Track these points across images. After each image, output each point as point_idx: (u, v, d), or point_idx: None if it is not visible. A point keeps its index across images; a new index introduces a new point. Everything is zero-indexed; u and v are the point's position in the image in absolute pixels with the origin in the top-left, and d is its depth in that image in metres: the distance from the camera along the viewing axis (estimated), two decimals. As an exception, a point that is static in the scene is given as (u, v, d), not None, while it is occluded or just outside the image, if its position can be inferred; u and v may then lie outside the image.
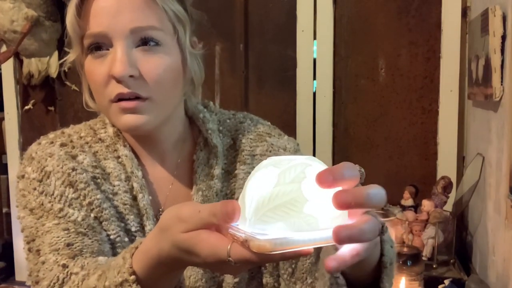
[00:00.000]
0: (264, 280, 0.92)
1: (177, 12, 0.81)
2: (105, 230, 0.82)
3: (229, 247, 0.51)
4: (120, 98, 0.78)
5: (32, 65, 2.05)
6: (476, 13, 1.59)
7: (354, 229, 0.48)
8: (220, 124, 0.94)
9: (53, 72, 2.06)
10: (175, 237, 0.55)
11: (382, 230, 0.52)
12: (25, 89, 2.17)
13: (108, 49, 0.78)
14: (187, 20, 0.84)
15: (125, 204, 0.85)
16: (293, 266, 0.87)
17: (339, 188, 0.49)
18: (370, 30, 1.90)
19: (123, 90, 0.77)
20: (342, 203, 0.48)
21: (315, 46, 1.93)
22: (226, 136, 0.93)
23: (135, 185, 0.85)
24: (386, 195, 0.51)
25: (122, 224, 0.84)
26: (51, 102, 2.16)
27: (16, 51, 1.97)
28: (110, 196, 0.85)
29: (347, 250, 0.51)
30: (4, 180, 2.24)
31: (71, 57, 0.85)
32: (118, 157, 0.87)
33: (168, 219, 0.57)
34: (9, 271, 2.17)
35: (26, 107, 2.17)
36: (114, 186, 0.85)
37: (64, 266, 0.75)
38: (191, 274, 0.87)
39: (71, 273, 0.74)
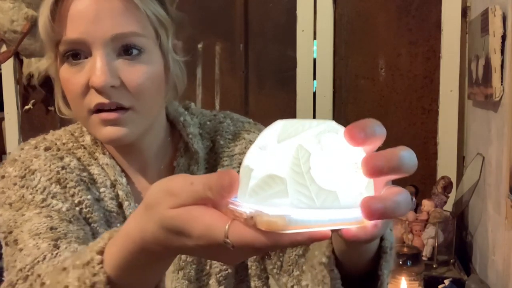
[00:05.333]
0: (252, 284, 0.89)
1: (159, 16, 0.77)
2: (95, 233, 0.78)
3: (227, 226, 0.41)
4: (99, 109, 0.74)
5: (32, 65, 2.05)
6: (476, 13, 1.59)
7: (388, 201, 0.40)
8: (200, 127, 0.90)
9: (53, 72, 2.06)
10: (162, 214, 0.45)
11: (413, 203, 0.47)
12: (25, 89, 2.17)
13: (87, 57, 0.73)
14: (169, 23, 0.79)
15: (112, 212, 0.81)
16: (281, 259, 0.83)
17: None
18: (370, 30, 1.90)
19: (104, 100, 0.73)
20: (375, 168, 0.41)
21: (315, 46, 1.93)
22: (206, 139, 0.89)
23: (120, 192, 0.82)
24: (414, 156, 0.44)
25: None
26: (51, 102, 2.16)
27: (16, 51, 1.97)
28: (97, 201, 0.81)
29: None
30: (4, 180, 2.23)
31: (44, 64, 0.79)
32: (100, 164, 0.83)
33: (155, 193, 0.47)
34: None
35: (26, 107, 2.17)
36: (100, 192, 0.81)
37: (55, 246, 0.68)
38: (176, 286, 0.84)
39: (58, 255, 0.67)
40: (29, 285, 0.63)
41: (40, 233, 0.69)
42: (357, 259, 0.61)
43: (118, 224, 0.80)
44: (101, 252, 0.53)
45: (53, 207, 0.75)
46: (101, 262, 0.52)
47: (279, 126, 0.42)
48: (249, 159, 0.43)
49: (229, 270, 0.85)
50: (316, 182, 0.40)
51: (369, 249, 0.59)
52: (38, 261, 0.66)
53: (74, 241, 0.70)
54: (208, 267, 0.85)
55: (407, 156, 0.42)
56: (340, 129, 0.43)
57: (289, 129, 0.42)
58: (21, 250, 0.69)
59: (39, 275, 0.62)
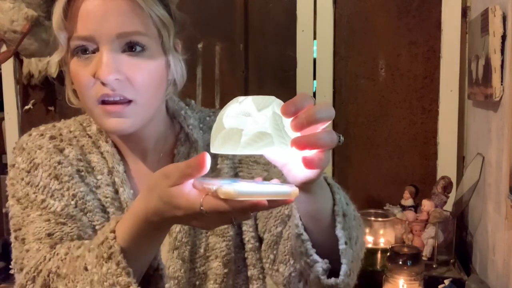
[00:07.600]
0: (249, 273, 0.97)
1: (162, 17, 0.84)
2: (90, 221, 0.87)
3: (202, 199, 0.58)
4: (104, 100, 0.81)
5: (32, 65, 2.05)
6: (476, 13, 1.59)
7: (310, 136, 0.59)
8: (200, 121, 0.98)
9: (53, 72, 2.06)
10: (162, 191, 0.61)
11: (339, 139, 0.62)
12: (25, 89, 2.17)
13: (94, 52, 0.81)
14: (171, 24, 0.86)
15: (107, 197, 0.89)
16: (274, 252, 0.91)
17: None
18: (370, 30, 1.90)
19: (108, 91, 0.80)
20: (297, 124, 0.59)
21: (315, 46, 1.93)
22: (207, 132, 0.97)
23: (116, 179, 0.90)
24: (331, 108, 0.61)
25: (106, 216, 0.89)
26: (51, 102, 2.16)
27: (16, 51, 1.97)
28: (94, 189, 0.90)
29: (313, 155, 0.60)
30: (4, 179, 2.23)
31: (56, 57, 0.88)
32: (102, 152, 0.92)
33: (155, 178, 0.62)
34: (8, 271, 2.17)
35: (26, 107, 2.16)
36: (97, 179, 0.90)
37: (52, 247, 0.81)
38: (170, 265, 0.90)
39: (57, 253, 0.79)
40: (42, 280, 0.76)
41: (41, 237, 0.83)
42: (317, 223, 0.74)
43: (113, 209, 0.89)
44: (113, 231, 0.68)
45: (50, 208, 0.85)
46: (115, 238, 0.67)
47: (249, 100, 0.62)
48: (234, 123, 0.61)
49: (232, 254, 0.95)
50: (288, 135, 0.60)
51: (322, 209, 0.73)
52: (41, 262, 0.79)
53: (68, 241, 0.82)
54: (202, 251, 0.94)
55: (320, 109, 0.60)
56: None
57: (261, 102, 0.61)
58: (27, 251, 0.83)
59: (50, 271, 0.76)
